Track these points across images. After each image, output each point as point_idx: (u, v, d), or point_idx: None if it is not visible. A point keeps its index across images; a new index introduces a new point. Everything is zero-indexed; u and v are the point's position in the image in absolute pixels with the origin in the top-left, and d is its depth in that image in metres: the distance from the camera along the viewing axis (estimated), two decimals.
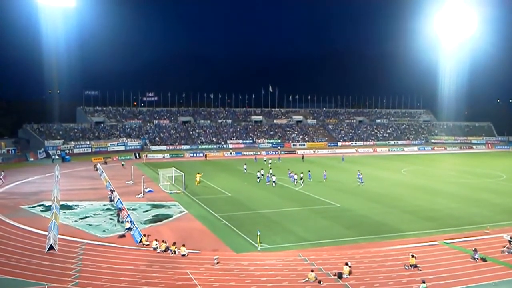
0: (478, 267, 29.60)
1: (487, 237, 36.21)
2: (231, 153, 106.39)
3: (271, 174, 64.00)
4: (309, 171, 66.13)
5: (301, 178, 62.03)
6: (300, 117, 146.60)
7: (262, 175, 64.42)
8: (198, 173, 63.63)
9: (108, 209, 46.20)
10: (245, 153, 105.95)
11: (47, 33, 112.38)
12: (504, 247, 32.62)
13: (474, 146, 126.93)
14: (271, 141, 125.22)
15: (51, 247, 32.11)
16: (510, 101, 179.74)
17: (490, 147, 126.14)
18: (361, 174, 63.41)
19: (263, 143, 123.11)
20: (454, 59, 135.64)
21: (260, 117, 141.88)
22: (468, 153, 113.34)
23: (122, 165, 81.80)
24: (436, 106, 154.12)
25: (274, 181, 60.86)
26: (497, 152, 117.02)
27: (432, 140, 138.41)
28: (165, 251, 32.26)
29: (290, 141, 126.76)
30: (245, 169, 72.90)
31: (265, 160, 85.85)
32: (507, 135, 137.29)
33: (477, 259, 30.55)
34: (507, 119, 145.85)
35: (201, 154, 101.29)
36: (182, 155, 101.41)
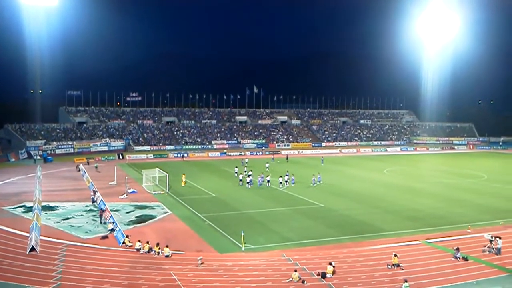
0: (459, 266, 29.95)
1: (468, 237, 36.67)
2: (225, 152, 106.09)
3: (246, 173, 63.38)
4: (287, 172, 65.96)
5: (286, 181, 61.42)
6: (285, 118, 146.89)
7: (250, 175, 63.60)
8: (184, 174, 63.45)
9: (90, 210, 45.80)
10: (230, 153, 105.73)
11: (29, 32, 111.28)
12: (485, 246, 33.04)
13: (455, 147, 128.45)
14: (256, 141, 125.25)
15: (32, 249, 31.73)
16: (491, 102, 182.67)
17: (471, 147, 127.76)
18: (317, 175, 63.84)
19: (248, 143, 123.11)
20: (436, 61, 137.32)
21: (244, 118, 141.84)
22: (450, 154, 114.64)
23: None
24: (418, 107, 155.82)
25: (248, 182, 60.35)
26: (478, 152, 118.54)
27: (415, 141, 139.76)
28: (148, 252, 32.08)
29: (275, 142, 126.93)
30: (236, 172, 69.58)
31: (246, 162, 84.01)
32: (488, 136, 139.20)
33: (459, 258, 30.93)
34: (488, 120, 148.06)
35: (186, 155, 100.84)
36: (166, 156, 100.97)
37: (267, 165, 77.82)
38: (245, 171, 66.75)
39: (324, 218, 43.26)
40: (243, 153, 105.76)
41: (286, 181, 61.25)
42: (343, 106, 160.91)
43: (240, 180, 62.43)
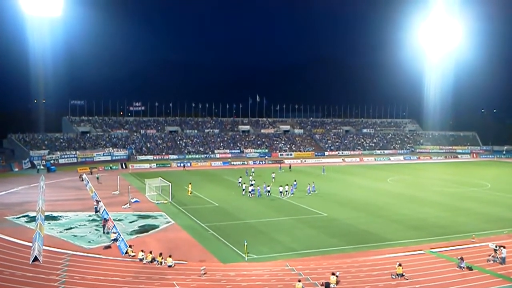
0: (464, 276, 29.78)
1: (473, 246, 36.47)
2: (228, 162, 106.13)
3: (250, 184, 63.25)
4: (295, 181, 65.90)
5: (286, 191, 60.45)
6: (287, 127, 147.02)
7: (252, 185, 63.33)
8: (190, 183, 63.42)
9: (93, 220, 45.77)
10: (233, 163, 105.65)
11: (33, 42, 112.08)
12: (490, 255, 32.86)
13: (459, 156, 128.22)
14: (259, 150, 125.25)
15: (35, 259, 31.68)
16: (495, 110, 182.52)
17: (475, 156, 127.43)
18: (311, 184, 63.64)
19: (251, 152, 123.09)
20: (439, 70, 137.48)
21: (247, 127, 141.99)
22: (453, 163, 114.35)
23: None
24: (421, 115, 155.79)
25: (250, 191, 60.09)
26: (482, 161, 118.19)
27: (418, 150, 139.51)
28: (151, 262, 31.99)
29: (277, 151, 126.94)
30: (240, 182, 68.07)
31: (253, 171, 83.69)
32: (492, 145, 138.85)
33: (463, 267, 30.75)
34: (492, 129, 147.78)
35: (189, 164, 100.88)
36: (169, 165, 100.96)
37: (273, 175, 76.40)
38: (250, 180, 66.57)
39: (327, 227, 43.12)
40: (246, 162, 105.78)
41: (286, 191, 60.47)
42: (345, 115, 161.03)
43: (244, 189, 62.28)
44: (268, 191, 60.31)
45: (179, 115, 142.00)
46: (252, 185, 62.11)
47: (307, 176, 79.53)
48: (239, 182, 67.84)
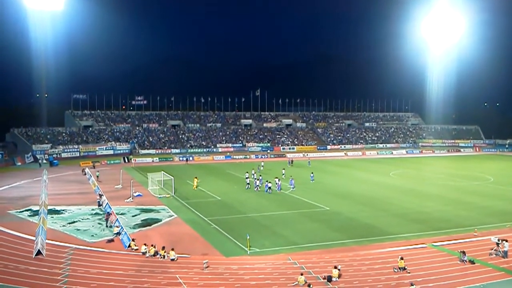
0: (466, 270, 29.78)
1: (475, 240, 36.46)
2: (230, 156, 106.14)
3: (254, 178, 63.02)
4: (292, 177, 65.84)
5: (277, 184, 59.61)
6: (290, 121, 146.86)
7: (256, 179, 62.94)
8: (196, 178, 63.41)
9: (96, 214, 45.90)
10: (235, 157, 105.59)
11: (35, 36, 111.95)
12: (492, 249, 32.85)
13: (461, 149, 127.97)
14: (261, 144, 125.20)
15: (38, 252, 31.81)
16: (497, 104, 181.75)
17: (477, 150, 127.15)
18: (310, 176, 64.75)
19: (253, 146, 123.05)
20: (441, 63, 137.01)
21: (249, 121, 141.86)
22: (456, 156, 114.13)
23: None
24: (424, 109, 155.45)
25: (257, 185, 59.82)
26: (484, 155, 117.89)
27: (420, 143, 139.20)
28: (154, 255, 32.08)
29: (280, 145, 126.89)
30: (254, 178, 65.02)
31: (262, 165, 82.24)
32: (494, 138, 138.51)
33: (466, 261, 30.76)
34: (495, 122, 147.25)
35: (191, 158, 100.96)
36: (171, 159, 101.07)
37: (283, 171, 73.25)
38: (252, 174, 66.34)
39: (329, 221, 43.16)
40: (248, 156, 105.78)
41: (277, 183, 59.52)
42: (348, 109, 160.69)
43: (248, 183, 61.96)
44: (269, 188, 58.48)
45: (181, 109, 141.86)
46: (258, 179, 62.00)
47: (308, 170, 79.48)
48: (254, 178, 64.46)
